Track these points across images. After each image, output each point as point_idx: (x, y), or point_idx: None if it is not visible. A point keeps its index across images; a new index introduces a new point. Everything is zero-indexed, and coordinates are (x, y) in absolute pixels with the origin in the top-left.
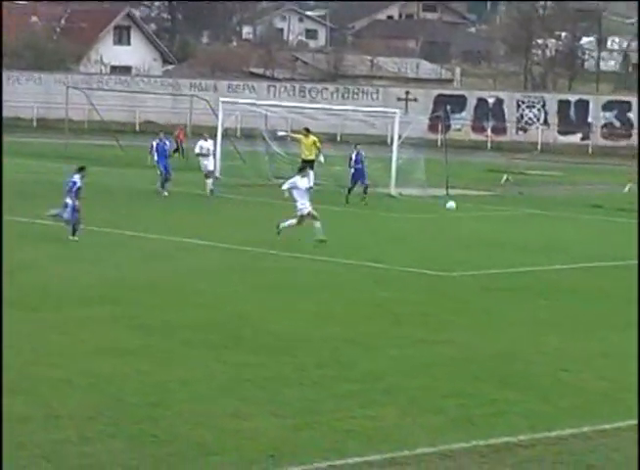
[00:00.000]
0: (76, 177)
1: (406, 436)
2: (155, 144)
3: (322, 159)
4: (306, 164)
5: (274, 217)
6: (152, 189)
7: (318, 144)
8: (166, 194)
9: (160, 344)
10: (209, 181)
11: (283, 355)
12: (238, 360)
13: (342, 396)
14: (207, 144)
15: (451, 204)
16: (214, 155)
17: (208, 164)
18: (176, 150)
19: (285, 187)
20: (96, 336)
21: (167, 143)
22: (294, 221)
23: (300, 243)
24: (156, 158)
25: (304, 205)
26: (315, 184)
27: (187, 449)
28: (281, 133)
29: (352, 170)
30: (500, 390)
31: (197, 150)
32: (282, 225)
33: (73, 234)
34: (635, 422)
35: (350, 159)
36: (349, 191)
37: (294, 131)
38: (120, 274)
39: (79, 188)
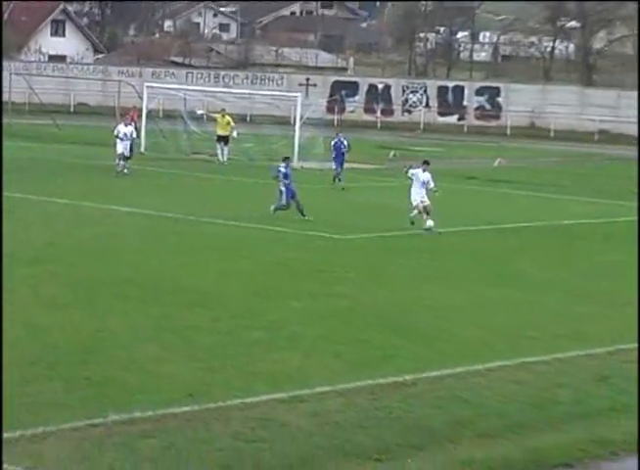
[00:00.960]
0: (282, 166)
1: (307, 377)
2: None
3: (235, 134)
4: (223, 138)
5: (192, 187)
6: (83, 163)
7: (232, 123)
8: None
9: (90, 298)
10: (121, 162)
11: (198, 308)
12: (159, 312)
13: (250, 342)
14: (126, 129)
15: (430, 222)
16: (132, 139)
17: (123, 147)
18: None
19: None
20: (34, 292)
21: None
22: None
23: (215, 209)
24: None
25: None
26: (229, 159)
27: (115, 390)
28: (200, 112)
29: (333, 155)
30: (389, 337)
31: (115, 132)
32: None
33: (303, 215)
34: (506, 363)
35: (331, 144)
36: (334, 176)
37: (210, 112)
38: (55, 238)
39: (286, 174)
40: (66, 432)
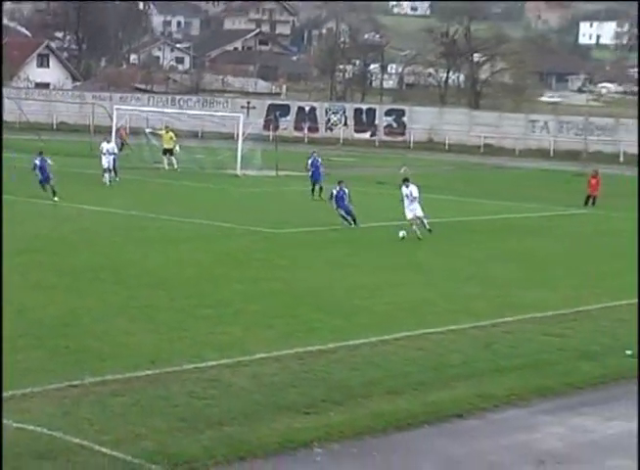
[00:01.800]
0: (337, 187)
1: (249, 346)
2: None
3: (178, 148)
4: (168, 151)
5: (153, 191)
6: (64, 171)
7: (174, 138)
8: (107, 183)
9: (69, 282)
10: (106, 175)
11: (158, 290)
12: (126, 293)
13: (201, 317)
14: (108, 145)
15: (403, 232)
16: (114, 154)
17: (108, 161)
18: (122, 147)
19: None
20: (23, 277)
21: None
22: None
23: (172, 208)
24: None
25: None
26: (182, 167)
27: (90, 357)
28: (147, 130)
29: (310, 173)
30: (314, 313)
31: (99, 148)
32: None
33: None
34: (410, 333)
35: (307, 163)
36: (313, 190)
37: (155, 129)
38: (40, 232)
39: (336, 196)
40: (49, 392)
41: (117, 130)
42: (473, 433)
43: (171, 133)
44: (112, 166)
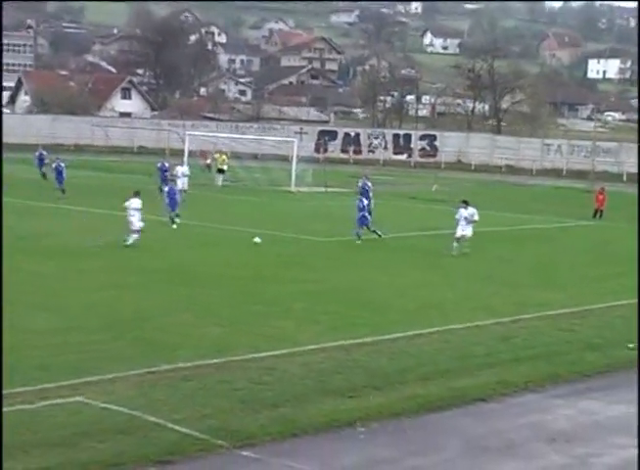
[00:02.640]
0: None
1: (299, 338)
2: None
3: (226, 168)
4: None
5: (216, 204)
6: (141, 187)
7: (227, 160)
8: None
9: (142, 281)
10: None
11: (216, 289)
12: (189, 292)
13: (256, 313)
14: (182, 169)
15: (257, 239)
16: (187, 176)
17: (182, 183)
18: (208, 166)
19: None
20: (104, 277)
21: (166, 165)
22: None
23: (228, 218)
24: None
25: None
26: (232, 182)
27: (164, 347)
28: (208, 160)
29: (360, 194)
30: (354, 310)
31: (174, 172)
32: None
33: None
34: (438, 328)
35: (358, 186)
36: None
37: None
38: (116, 239)
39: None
40: (130, 377)
41: (202, 153)
42: (493, 414)
43: (224, 156)
44: (186, 187)
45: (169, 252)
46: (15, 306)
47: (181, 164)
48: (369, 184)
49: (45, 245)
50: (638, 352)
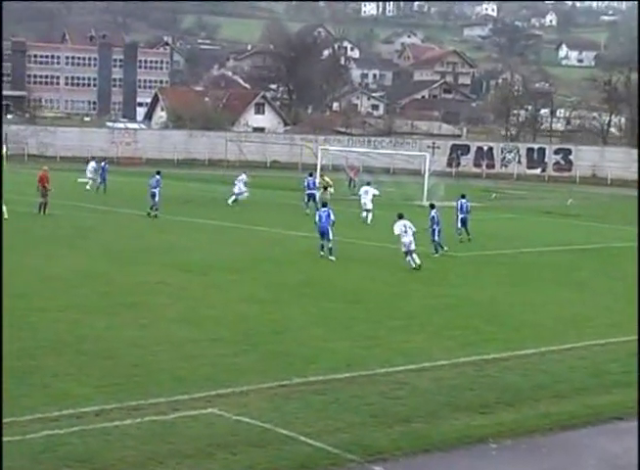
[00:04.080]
0: (433, 212)
1: (432, 353)
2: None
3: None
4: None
5: (347, 218)
6: (273, 202)
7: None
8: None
9: (277, 295)
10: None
11: (354, 303)
12: (325, 306)
13: (391, 328)
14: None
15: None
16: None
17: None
18: (352, 180)
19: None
20: (240, 291)
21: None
22: None
23: (364, 232)
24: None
25: None
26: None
27: (296, 360)
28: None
29: (460, 217)
30: (487, 325)
31: (304, 184)
32: None
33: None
34: (573, 345)
35: (457, 207)
36: (460, 233)
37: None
38: (252, 253)
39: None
40: (262, 390)
41: (351, 167)
42: (630, 433)
43: (327, 178)
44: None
45: (305, 266)
46: (158, 319)
47: (310, 174)
48: (468, 205)
49: (186, 259)
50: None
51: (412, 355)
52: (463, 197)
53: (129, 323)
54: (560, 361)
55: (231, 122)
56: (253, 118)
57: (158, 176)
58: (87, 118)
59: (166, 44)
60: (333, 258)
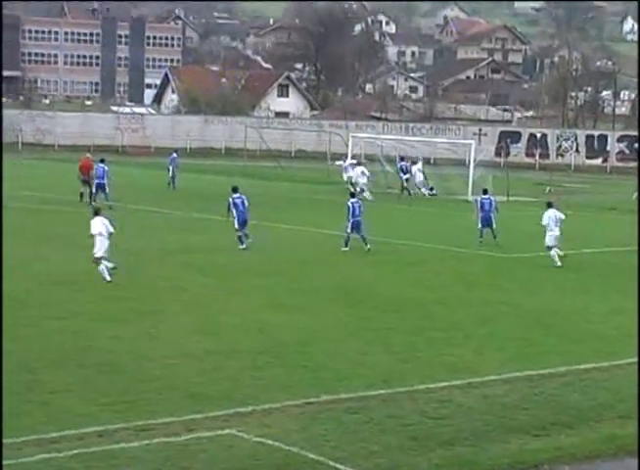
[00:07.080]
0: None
1: (479, 367)
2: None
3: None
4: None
5: (384, 214)
6: (301, 197)
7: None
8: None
9: (307, 302)
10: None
11: (390, 312)
12: (360, 315)
13: (433, 339)
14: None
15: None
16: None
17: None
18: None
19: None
20: (263, 297)
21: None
22: None
23: (403, 232)
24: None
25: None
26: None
27: (325, 375)
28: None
29: (481, 214)
30: (543, 336)
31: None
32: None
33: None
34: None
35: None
36: (482, 235)
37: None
38: (277, 253)
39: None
40: (288, 408)
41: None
42: None
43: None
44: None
45: (338, 270)
46: (171, 328)
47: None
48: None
49: (204, 261)
50: None
51: (456, 370)
52: (485, 193)
53: (139, 333)
54: (624, 377)
55: (251, 106)
56: (276, 102)
57: (102, 164)
58: (89, 102)
59: (178, 18)
60: (369, 246)
